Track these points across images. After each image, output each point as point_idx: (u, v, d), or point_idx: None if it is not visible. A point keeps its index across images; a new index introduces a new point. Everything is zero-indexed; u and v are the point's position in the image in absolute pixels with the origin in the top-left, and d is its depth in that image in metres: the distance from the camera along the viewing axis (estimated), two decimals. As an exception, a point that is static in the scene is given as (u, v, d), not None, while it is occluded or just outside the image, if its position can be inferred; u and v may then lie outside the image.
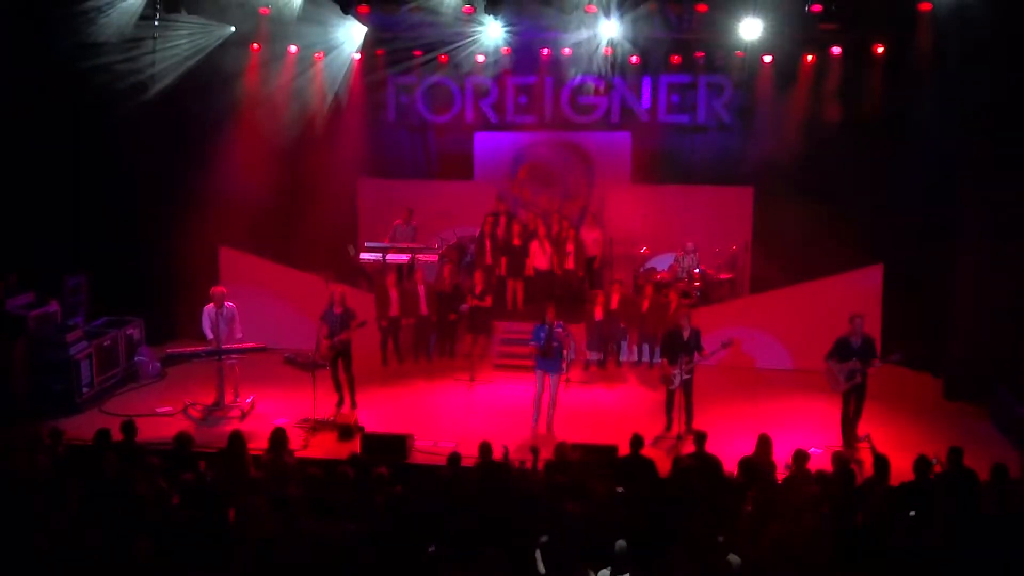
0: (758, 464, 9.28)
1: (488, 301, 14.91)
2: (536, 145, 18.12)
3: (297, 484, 8.64)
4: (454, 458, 9.21)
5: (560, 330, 11.96)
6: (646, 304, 14.66)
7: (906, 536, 7.87)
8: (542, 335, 11.90)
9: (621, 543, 7.43)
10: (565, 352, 12.15)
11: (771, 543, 7.54)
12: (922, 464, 8.89)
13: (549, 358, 11.97)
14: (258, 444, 10.03)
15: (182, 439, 9.71)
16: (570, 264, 16.03)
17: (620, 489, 8.44)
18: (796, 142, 16.04)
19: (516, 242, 15.99)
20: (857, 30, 15.35)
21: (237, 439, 9.58)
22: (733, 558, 6.94)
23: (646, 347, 14.88)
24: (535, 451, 9.80)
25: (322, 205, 16.89)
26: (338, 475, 8.76)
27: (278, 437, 9.67)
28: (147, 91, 14.90)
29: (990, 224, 12.94)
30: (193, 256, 15.28)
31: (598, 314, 14.62)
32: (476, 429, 11.64)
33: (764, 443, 9.61)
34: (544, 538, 7.67)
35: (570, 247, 16.03)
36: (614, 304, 14.63)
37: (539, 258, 15.90)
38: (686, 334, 11.93)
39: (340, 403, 12.84)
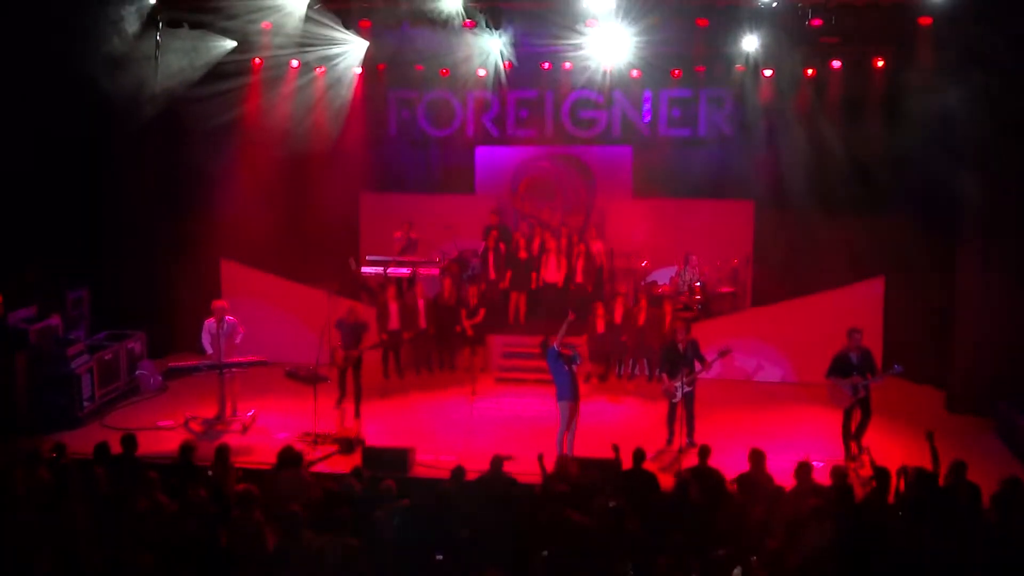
0: (756, 479, 9.25)
1: (480, 315, 14.96)
2: (537, 159, 18.19)
3: (298, 500, 8.60)
4: (457, 472, 9.18)
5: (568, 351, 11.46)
6: (642, 317, 14.66)
7: (908, 550, 7.82)
8: (568, 365, 11.27)
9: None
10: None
11: (773, 557, 7.51)
12: (909, 474, 8.89)
13: (577, 386, 11.46)
14: (258, 458, 9.98)
15: (186, 450, 9.70)
16: (579, 278, 16.05)
17: (612, 504, 8.38)
18: (797, 155, 16.08)
19: (522, 255, 16.03)
20: (857, 44, 15.38)
21: (222, 454, 9.58)
22: (737, 572, 6.89)
23: (645, 361, 14.84)
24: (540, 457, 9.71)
25: (324, 219, 16.97)
26: (342, 489, 8.72)
27: (287, 455, 9.50)
28: (149, 105, 14.92)
29: (992, 236, 12.94)
30: (195, 269, 15.35)
31: (600, 327, 14.60)
32: (478, 443, 11.61)
33: (757, 457, 9.53)
34: (544, 552, 7.63)
35: (580, 261, 16.05)
36: (617, 318, 14.62)
37: (552, 272, 15.94)
38: (682, 346, 11.91)
39: (341, 399, 12.92)
